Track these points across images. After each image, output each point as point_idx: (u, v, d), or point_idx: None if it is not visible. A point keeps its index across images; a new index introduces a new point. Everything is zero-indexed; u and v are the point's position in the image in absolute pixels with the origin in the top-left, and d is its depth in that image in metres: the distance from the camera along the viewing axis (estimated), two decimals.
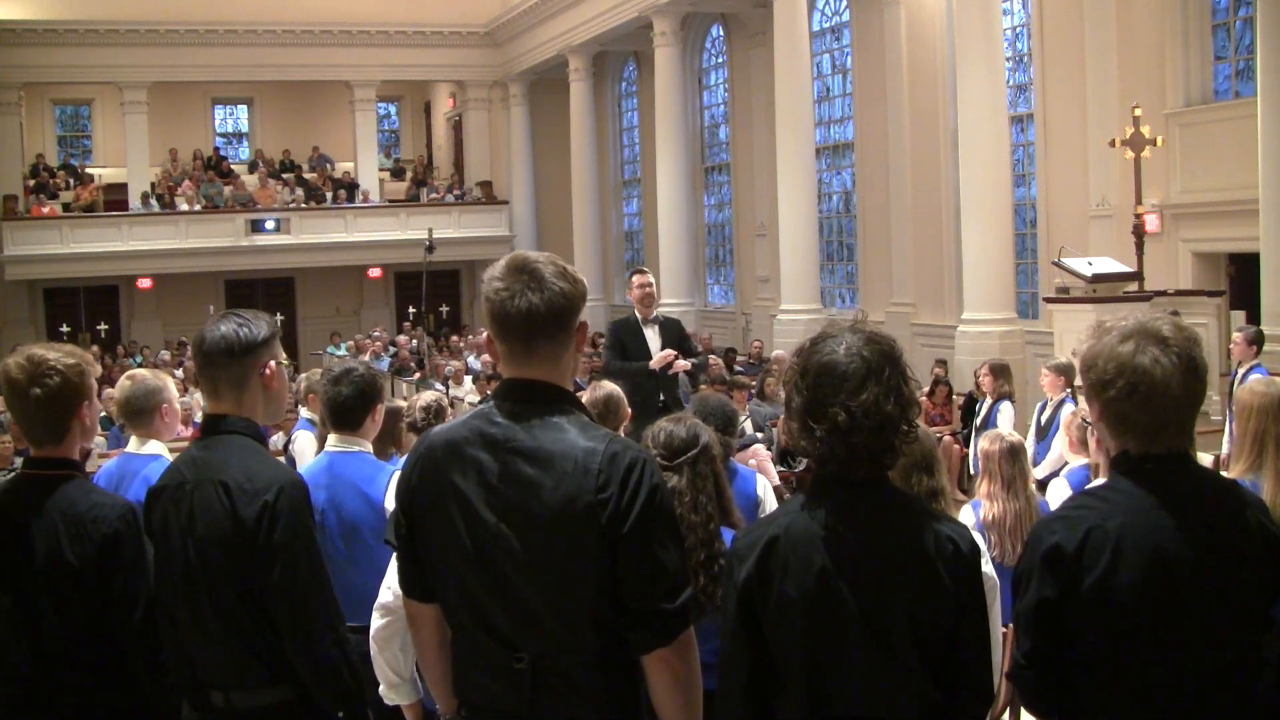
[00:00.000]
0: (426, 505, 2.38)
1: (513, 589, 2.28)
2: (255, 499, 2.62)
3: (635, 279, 8.34)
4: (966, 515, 4.75)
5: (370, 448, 3.99)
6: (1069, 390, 8.34)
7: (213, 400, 2.81)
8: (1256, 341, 8.76)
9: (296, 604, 2.62)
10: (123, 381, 4.13)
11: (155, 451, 4.04)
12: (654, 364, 7.92)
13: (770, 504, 4.13)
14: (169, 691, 2.82)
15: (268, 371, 2.79)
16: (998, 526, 4.70)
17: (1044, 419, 8.44)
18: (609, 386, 4.50)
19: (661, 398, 7.88)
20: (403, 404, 4.91)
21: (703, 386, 11.67)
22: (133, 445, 4.07)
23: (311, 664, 2.63)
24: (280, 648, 2.64)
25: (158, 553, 2.76)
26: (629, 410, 4.45)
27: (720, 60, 22.41)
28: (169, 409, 4.07)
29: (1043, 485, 6.52)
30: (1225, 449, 8.44)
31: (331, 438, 3.94)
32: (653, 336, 8.10)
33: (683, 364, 8.08)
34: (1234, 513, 2.20)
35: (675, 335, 8.27)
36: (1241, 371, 8.47)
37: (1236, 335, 8.85)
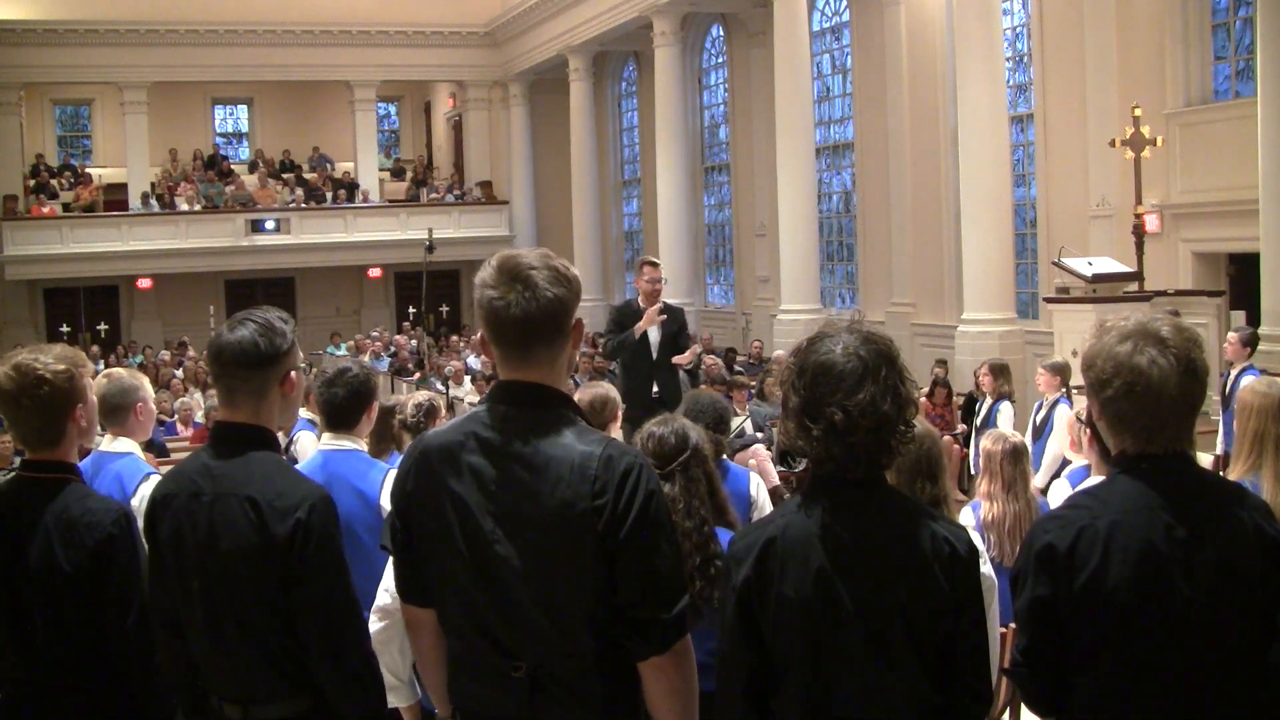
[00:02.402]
0: (422, 511, 2.36)
1: (510, 596, 2.26)
2: (287, 516, 2.53)
3: (646, 270, 8.16)
4: (966, 516, 4.74)
5: (364, 445, 3.99)
6: (1064, 390, 8.34)
7: (228, 408, 2.68)
8: (1250, 343, 8.79)
9: (328, 621, 2.56)
10: (99, 380, 4.14)
11: (126, 449, 4.05)
12: (641, 325, 7.88)
13: (763, 502, 4.12)
14: (164, 696, 2.80)
15: (288, 383, 2.70)
16: (997, 527, 4.69)
17: (1039, 419, 8.45)
18: (602, 387, 4.49)
19: (656, 390, 7.83)
20: (398, 400, 4.90)
21: (703, 385, 11.67)
22: (105, 442, 4.08)
23: (340, 681, 2.57)
24: (303, 661, 2.57)
25: (167, 564, 2.64)
26: (619, 412, 4.43)
27: (720, 60, 22.41)
28: (144, 408, 4.08)
29: (1043, 489, 6.51)
30: (1220, 448, 8.46)
31: (325, 436, 3.95)
32: (652, 327, 8.06)
33: (654, 316, 8.00)
34: (1230, 514, 2.19)
35: (675, 323, 8.19)
36: (1234, 372, 8.49)
37: (1231, 336, 8.88)
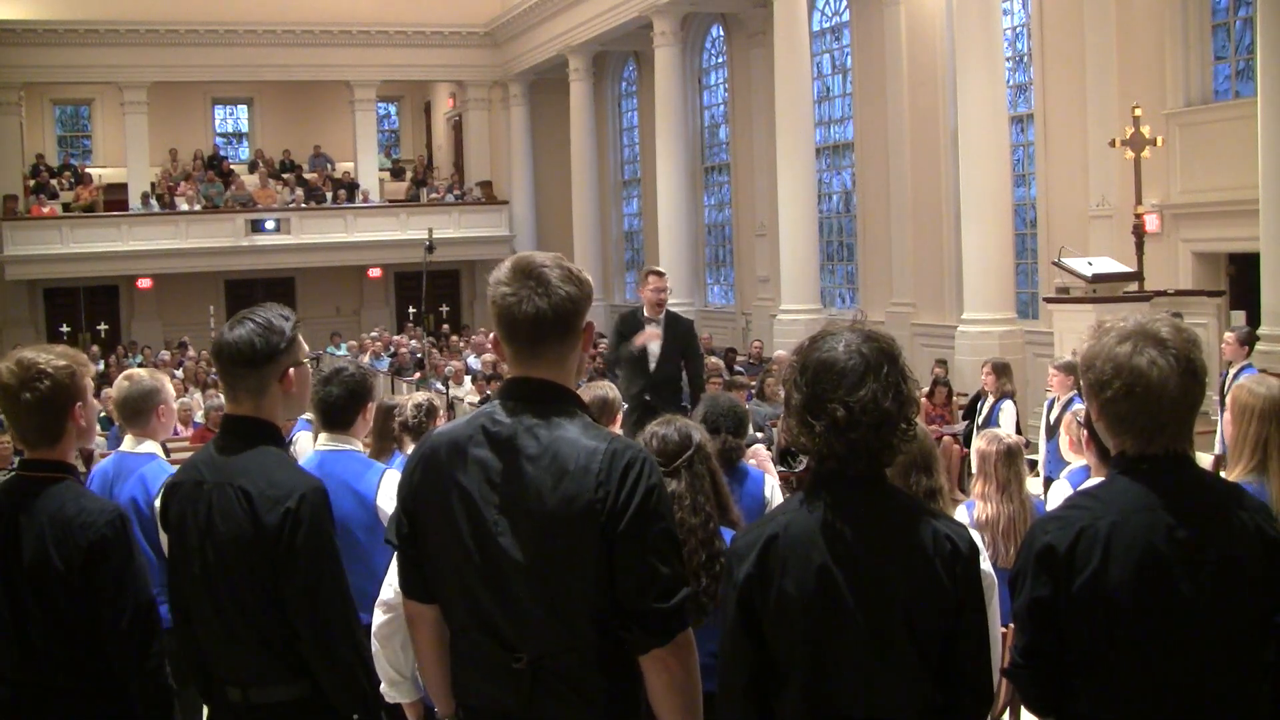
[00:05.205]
0: (429, 504, 2.38)
1: (513, 589, 2.28)
2: (277, 505, 2.62)
3: (652, 280, 8.10)
4: (961, 515, 4.74)
5: (360, 446, 3.99)
6: (1076, 388, 8.34)
7: (232, 403, 2.81)
8: (1248, 342, 8.81)
9: (316, 610, 2.63)
10: (120, 381, 4.15)
11: (150, 451, 4.05)
12: (638, 341, 7.77)
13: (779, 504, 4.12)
14: (159, 698, 2.81)
15: (286, 380, 2.78)
16: (991, 528, 4.69)
17: (1053, 418, 8.47)
18: (602, 388, 4.49)
19: (648, 398, 7.69)
20: (400, 400, 4.90)
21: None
22: (128, 444, 4.09)
23: (328, 668, 2.65)
24: (298, 647, 2.65)
25: (174, 548, 2.79)
26: (619, 414, 4.44)
27: (720, 60, 22.40)
28: (165, 409, 4.09)
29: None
30: (1218, 448, 8.46)
31: (322, 437, 3.95)
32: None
33: (653, 334, 7.85)
34: (1230, 515, 2.19)
35: (681, 334, 8.06)
36: (1233, 372, 8.51)
37: (1229, 335, 8.90)
